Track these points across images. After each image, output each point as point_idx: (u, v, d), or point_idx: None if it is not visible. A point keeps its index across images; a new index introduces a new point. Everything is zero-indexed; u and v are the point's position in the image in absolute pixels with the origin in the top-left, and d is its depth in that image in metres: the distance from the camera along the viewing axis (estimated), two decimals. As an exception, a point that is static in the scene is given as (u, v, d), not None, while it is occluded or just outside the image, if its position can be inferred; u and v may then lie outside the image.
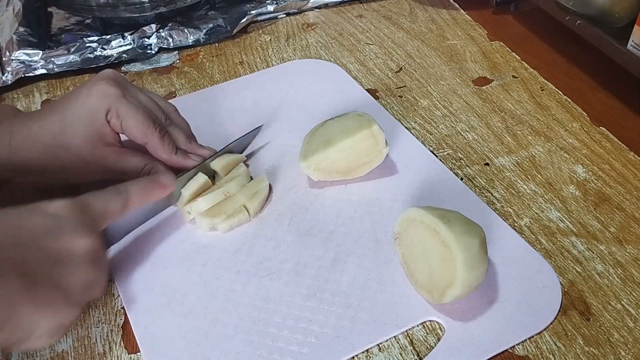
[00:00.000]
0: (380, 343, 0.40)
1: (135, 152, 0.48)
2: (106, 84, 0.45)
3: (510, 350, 0.39)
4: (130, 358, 0.40)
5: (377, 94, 0.62)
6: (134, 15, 0.69)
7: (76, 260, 0.35)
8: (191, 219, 0.48)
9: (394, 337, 0.40)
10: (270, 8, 0.75)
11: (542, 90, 0.61)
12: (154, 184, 0.44)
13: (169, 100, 0.62)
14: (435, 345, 0.40)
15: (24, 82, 0.66)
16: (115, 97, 0.45)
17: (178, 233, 0.48)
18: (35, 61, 0.66)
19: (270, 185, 0.51)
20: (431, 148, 0.55)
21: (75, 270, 0.35)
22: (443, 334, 0.40)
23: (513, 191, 0.51)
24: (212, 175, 0.51)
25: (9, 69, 0.65)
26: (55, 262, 0.34)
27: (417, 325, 0.41)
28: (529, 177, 0.52)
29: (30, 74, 0.66)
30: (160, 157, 0.47)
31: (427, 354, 0.39)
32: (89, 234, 0.36)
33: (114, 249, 0.47)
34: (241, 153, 0.54)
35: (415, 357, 0.39)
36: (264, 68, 0.67)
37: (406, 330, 0.41)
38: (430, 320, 0.41)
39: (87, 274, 0.36)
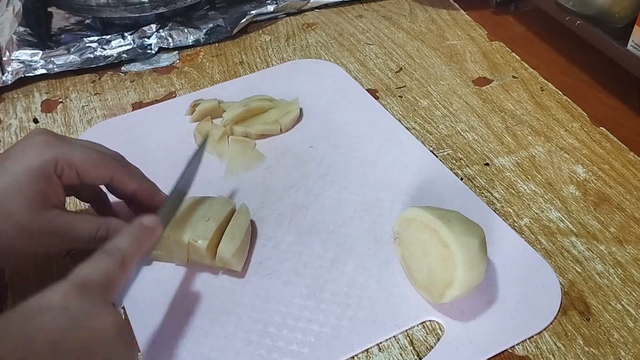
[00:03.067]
0: (380, 343, 0.40)
1: (83, 215, 0.42)
2: (43, 136, 0.40)
3: (510, 350, 0.39)
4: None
5: (377, 94, 0.62)
6: (134, 15, 0.69)
7: (104, 347, 0.31)
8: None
9: (394, 337, 0.40)
10: (270, 8, 0.75)
11: (542, 90, 0.61)
12: (141, 230, 0.37)
13: (169, 101, 0.63)
14: (435, 345, 0.40)
15: (23, 82, 0.66)
16: (59, 145, 0.40)
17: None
18: (35, 61, 0.66)
19: (301, 109, 0.57)
20: (431, 148, 0.55)
21: (108, 356, 0.31)
22: (443, 334, 0.40)
23: (513, 191, 0.51)
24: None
25: (9, 69, 0.65)
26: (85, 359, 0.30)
27: (417, 325, 0.41)
28: (529, 177, 0.52)
29: (30, 74, 0.66)
30: (129, 188, 0.43)
31: (427, 354, 0.39)
32: (105, 313, 0.32)
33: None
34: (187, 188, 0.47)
35: (415, 357, 0.39)
36: (264, 68, 0.67)
37: (406, 330, 0.41)
38: (429, 320, 0.41)
39: (120, 353, 0.32)
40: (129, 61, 0.69)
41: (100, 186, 0.46)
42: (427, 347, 0.40)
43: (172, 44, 0.70)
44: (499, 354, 0.39)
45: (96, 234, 0.41)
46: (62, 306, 0.30)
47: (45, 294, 0.31)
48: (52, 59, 0.67)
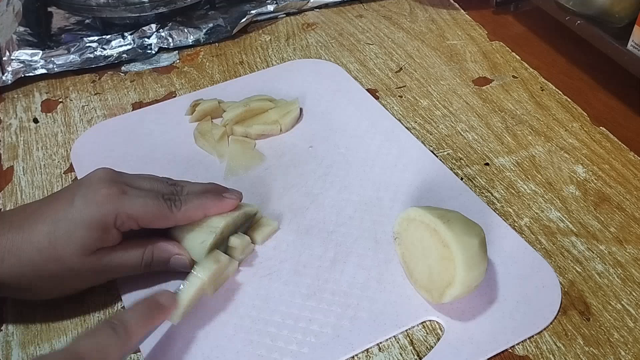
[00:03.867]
0: (380, 343, 0.40)
1: (129, 243, 0.42)
2: (104, 187, 0.40)
3: (510, 350, 0.39)
4: (130, 358, 0.40)
5: (377, 93, 0.62)
6: (134, 15, 0.69)
7: None
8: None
9: (394, 337, 0.40)
10: (270, 8, 0.75)
11: (542, 90, 0.61)
12: (154, 308, 0.37)
13: (169, 101, 0.63)
14: (435, 345, 0.40)
15: (24, 82, 0.66)
16: (119, 199, 0.40)
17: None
18: (35, 61, 0.66)
19: (301, 108, 0.58)
20: (431, 148, 0.55)
21: None
22: (443, 334, 0.40)
23: (513, 191, 0.51)
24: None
25: (9, 68, 0.65)
26: None
27: (417, 325, 0.41)
28: (529, 177, 0.52)
29: (30, 74, 0.66)
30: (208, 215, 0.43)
31: (427, 354, 0.39)
32: None
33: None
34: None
35: (415, 357, 0.39)
36: (264, 68, 0.67)
37: (406, 330, 0.41)
38: (430, 320, 0.41)
39: None
40: (129, 61, 0.69)
41: None
42: (427, 347, 0.40)
43: (172, 44, 0.70)
44: (499, 353, 0.39)
45: (141, 262, 0.42)
46: None
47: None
48: (52, 58, 0.67)
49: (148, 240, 0.42)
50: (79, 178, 0.54)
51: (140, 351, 0.40)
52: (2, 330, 0.43)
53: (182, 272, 0.43)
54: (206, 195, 0.43)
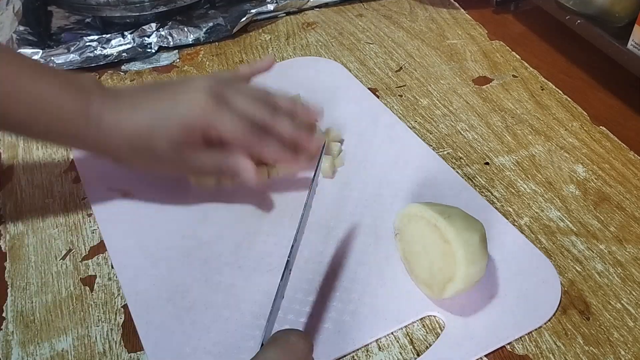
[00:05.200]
0: (381, 341, 0.40)
1: (208, 151, 0.46)
2: (205, 97, 0.44)
3: (510, 350, 0.39)
4: (130, 357, 0.40)
5: (377, 93, 0.62)
6: (133, 14, 0.68)
7: None
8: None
9: (394, 336, 0.41)
10: (271, 7, 0.75)
11: (542, 89, 0.61)
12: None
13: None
14: (436, 341, 0.40)
15: (23, 80, 0.66)
16: (213, 112, 0.44)
17: (180, 229, 0.48)
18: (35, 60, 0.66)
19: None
20: (431, 147, 0.55)
21: None
22: (443, 331, 0.40)
23: (513, 190, 0.51)
24: None
25: (8, 67, 0.65)
26: None
27: (417, 323, 0.41)
28: (529, 176, 0.52)
29: (30, 73, 0.66)
30: (267, 155, 0.47)
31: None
32: None
33: (114, 243, 0.47)
34: None
35: (415, 356, 0.39)
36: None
37: (406, 327, 0.41)
38: (430, 316, 0.41)
39: None
40: (129, 60, 0.69)
41: None
42: (426, 346, 0.40)
43: (172, 43, 0.70)
44: (499, 352, 0.39)
45: (217, 169, 0.46)
46: None
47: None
48: (52, 58, 0.67)
49: (232, 153, 0.46)
50: (81, 177, 0.54)
51: (140, 350, 0.40)
52: (2, 329, 0.43)
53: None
54: (287, 148, 0.47)
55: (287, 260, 0.39)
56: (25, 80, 0.43)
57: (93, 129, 0.44)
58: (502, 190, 0.51)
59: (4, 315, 0.44)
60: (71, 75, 0.46)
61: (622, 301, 0.42)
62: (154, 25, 0.70)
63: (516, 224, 0.47)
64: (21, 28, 0.69)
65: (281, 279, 0.38)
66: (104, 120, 0.44)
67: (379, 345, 0.40)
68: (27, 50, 0.66)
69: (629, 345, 0.39)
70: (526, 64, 0.65)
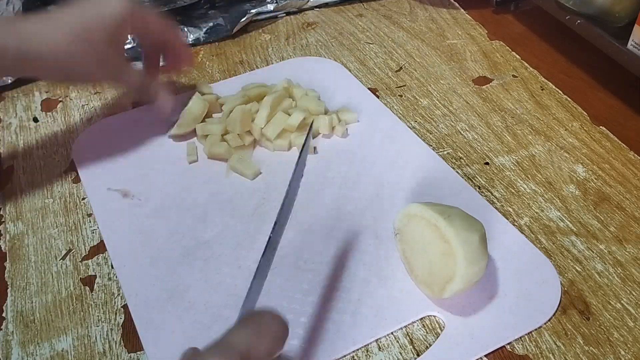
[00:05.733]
0: (380, 341, 0.40)
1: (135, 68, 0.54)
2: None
3: (510, 350, 0.39)
4: (130, 357, 0.40)
5: (377, 93, 0.62)
6: (134, 14, 0.68)
7: None
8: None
9: (394, 336, 0.41)
10: (270, 7, 0.75)
11: (542, 89, 0.61)
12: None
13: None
14: (436, 341, 0.40)
15: (24, 81, 0.66)
16: (135, 4, 0.50)
17: (180, 229, 0.48)
18: (35, 60, 0.66)
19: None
20: (431, 147, 0.55)
21: None
22: (443, 331, 0.40)
23: (513, 190, 0.51)
24: None
25: (8, 67, 0.65)
26: None
27: (417, 322, 0.41)
28: (528, 176, 0.52)
29: (30, 73, 0.66)
30: (179, 45, 0.56)
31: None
32: None
33: (114, 243, 0.47)
34: None
35: (415, 356, 0.39)
36: (263, 67, 0.67)
37: (406, 327, 0.41)
38: (430, 316, 0.41)
39: None
40: (129, 60, 0.69)
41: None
42: (426, 346, 0.40)
43: (172, 43, 0.70)
44: (499, 352, 0.39)
45: (139, 85, 0.53)
46: None
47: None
48: (52, 57, 0.67)
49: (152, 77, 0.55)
50: (81, 177, 0.54)
51: (140, 350, 0.40)
52: (2, 329, 0.43)
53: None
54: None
55: (269, 238, 0.37)
56: None
57: (14, 40, 0.44)
58: (502, 190, 0.51)
59: (4, 315, 0.44)
60: None
61: (622, 301, 0.42)
62: (154, 25, 0.70)
63: (516, 224, 0.47)
64: (21, 28, 0.69)
65: (262, 256, 0.37)
66: (25, 28, 0.45)
67: (379, 345, 0.40)
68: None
69: (629, 345, 0.39)
70: (526, 64, 0.65)
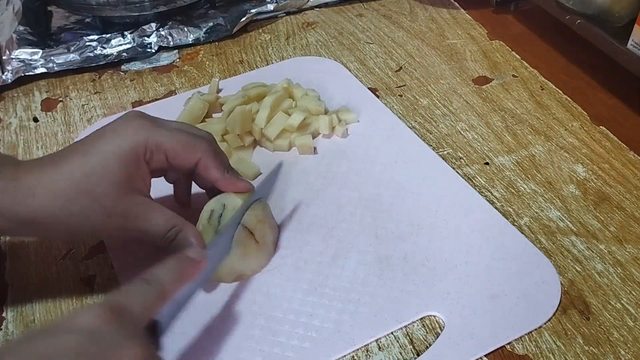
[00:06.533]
0: (380, 341, 0.40)
1: (161, 209, 0.41)
2: (137, 120, 0.40)
3: (510, 350, 0.39)
4: (130, 356, 0.40)
5: (377, 93, 0.62)
6: (133, 14, 0.69)
7: None
8: None
9: (394, 335, 0.41)
10: (270, 7, 0.75)
11: (542, 89, 0.61)
12: (184, 263, 0.36)
13: (168, 99, 0.63)
14: (436, 340, 0.40)
15: (23, 81, 0.66)
16: (150, 129, 0.40)
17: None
18: (35, 60, 0.66)
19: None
20: (431, 147, 0.55)
21: None
22: (442, 331, 0.40)
23: (513, 190, 0.51)
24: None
25: (8, 67, 0.65)
26: None
27: (417, 322, 0.41)
28: (528, 176, 0.52)
29: (30, 73, 0.66)
30: (212, 176, 0.43)
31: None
32: (134, 345, 0.29)
33: (115, 243, 0.47)
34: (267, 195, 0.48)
35: (415, 355, 0.39)
36: (264, 67, 0.67)
37: (406, 327, 0.41)
38: (430, 315, 0.41)
39: None
40: (129, 60, 0.69)
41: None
42: (426, 346, 0.40)
43: (172, 43, 0.70)
44: (499, 352, 0.39)
45: (166, 234, 0.41)
46: (91, 330, 0.28)
47: (77, 314, 0.29)
48: (52, 57, 0.67)
49: (183, 221, 0.42)
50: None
51: None
52: (2, 329, 0.43)
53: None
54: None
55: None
56: None
57: (9, 193, 0.37)
58: (502, 190, 0.51)
59: (4, 315, 0.44)
60: None
61: (622, 301, 0.42)
62: (154, 25, 0.70)
63: (516, 224, 0.47)
64: (21, 28, 0.69)
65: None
66: (21, 180, 0.38)
67: (379, 345, 0.40)
68: (27, 50, 0.67)
69: (629, 345, 0.39)
70: (526, 64, 0.65)
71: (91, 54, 0.67)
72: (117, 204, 0.39)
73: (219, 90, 0.62)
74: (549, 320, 0.41)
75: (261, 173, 0.53)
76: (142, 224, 0.41)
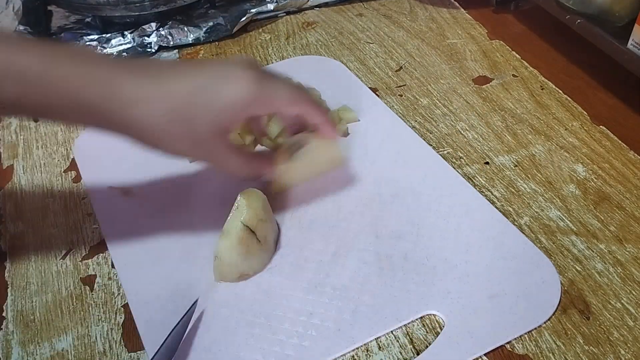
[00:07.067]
0: (380, 340, 0.40)
1: (239, 157, 0.45)
2: (249, 70, 0.41)
3: (510, 349, 0.39)
4: (130, 356, 0.40)
5: (377, 92, 0.62)
6: (134, 13, 0.69)
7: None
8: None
9: (394, 335, 0.41)
10: (271, 7, 0.75)
11: (542, 89, 0.61)
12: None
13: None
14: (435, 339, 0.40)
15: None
16: (262, 83, 0.41)
17: (181, 227, 0.48)
18: (35, 59, 0.66)
19: None
20: (431, 146, 0.55)
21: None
22: (442, 330, 0.40)
23: (513, 190, 0.51)
24: None
25: (8, 67, 0.65)
26: None
27: (417, 321, 0.41)
28: (529, 176, 0.52)
29: (30, 72, 0.66)
30: (315, 119, 0.46)
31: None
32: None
33: (115, 242, 0.47)
34: None
35: (415, 355, 0.39)
36: (264, 66, 0.66)
37: (406, 326, 0.41)
38: (430, 314, 0.41)
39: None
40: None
41: None
42: (426, 345, 0.40)
43: (172, 43, 0.70)
44: (499, 351, 0.39)
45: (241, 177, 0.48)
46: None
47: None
48: (52, 57, 0.67)
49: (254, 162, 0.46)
50: (82, 175, 0.54)
51: (140, 350, 0.40)
52: (2, 329, 0.43)
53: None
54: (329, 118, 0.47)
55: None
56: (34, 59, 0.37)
57: (116, 103, 0.38)
58: (502, 190, 0.51)
59: (4, 314, 0.44)
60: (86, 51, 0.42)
61: (622, 301, 0.42)
62: (154, 24, 0.70)
63: (516, 223, 0.47)
64: (21, 28, 0.69)
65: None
66: (130, 93, 0.38)
67: (379, 344, 0.40)
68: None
69: (629, 345, 0.39)
70: (526, 64, 0.65)
71: (91, 54, 0.67)
72: (207, 141, 0.41)
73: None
74: (548, 319, 0.41)
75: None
76: (221, 166, 0.45)
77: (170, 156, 0.43)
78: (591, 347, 0.39)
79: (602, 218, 0.48)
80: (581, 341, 0.40)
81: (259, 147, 0.56)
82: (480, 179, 0.52)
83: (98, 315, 0.43)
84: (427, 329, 0.41)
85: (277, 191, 0.50)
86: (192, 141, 0.41)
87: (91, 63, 0.39)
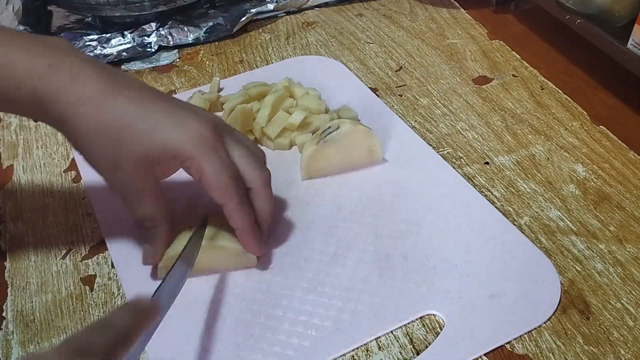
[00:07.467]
0: (380, 341, 0.40)
1: (158, 197, 0.42)
2: (202, 126, 0.40)
3: (509, 349, 0.39)
4: (130, 355, 0.40)
5: (377, 92, 0.62)
6: (133, 13, 0.68)
7: None
8: None
9: (394, 335, 0.41)
10: (270, 7, 0.75)
11: (542, 89, 0.61)
12: (138, 311, 0.32)
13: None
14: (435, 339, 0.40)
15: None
16: (206, 146, 0.39)
17: (180, 227, 0.48)
18: (35, 59, 0.66)
19: None
20: (431, 146, 0.55)
21: None
22: (442, 330, 0.40)
23: (513, 190, 0.51)
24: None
25: (8, 67, 0.65)
26: None
27: (417, 321, 0.41)
28: (529, 176, 0.52)
29: (30, 72, 0.66)
30: (232, 224, 0.42)
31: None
32: None
33: (115, 242, 0.47)
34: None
35: (415, 355, 0.39)
36: (264, 66, 0.67)
37: (406, 326, 0.41)
38: (430, 314, 0.41)
39: None
40: (129, 60, 0.69)
41: None
42: (426, 346, 0.40)
43: (172, 43, 0.70)
44: (499, 351, 0.39)
45: (143, 221, 0.42)
46: None
47: (39, 356, 0.28)
48: (52, 57, 0.67)
49: (165, 219, 0.43)
50: (82, 175, 0.54)
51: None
52: (2, 329, 0.43)
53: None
54: (253, 227, 0.42)
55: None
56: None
57: (64, 97, 0.38)
58: (502, 190, 0.51)
59: (4, 314, 0.44)
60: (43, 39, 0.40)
61: (622, 301, 0.42)
62: (153, 24, 0.70)
63: (516, 223, 0.47)
64: (21, 28, 0.69)
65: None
66: (85, 92, 0.38)
67: (378, 344, 0.40)
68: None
69: (628, 345, 0.39)
70: (526, 64, 0.65)
71: (91, 54, 0.67)
72: (127, 171, 0.39)
73: (219, 89, 0.62)
74: (548, 319, 0.41)
75: None
76: (130, 203, 0.41)
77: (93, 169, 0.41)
78: (591, 347, 0.39)
79: (602, 218, 0.48)
80: (581, 341, 0.40)
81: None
82: (480, 179, 0.52)
83: (98, 316, 0.43)
84: (427, 329, 0.41)
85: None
86: (114, 164, 0.39)
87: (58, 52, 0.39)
